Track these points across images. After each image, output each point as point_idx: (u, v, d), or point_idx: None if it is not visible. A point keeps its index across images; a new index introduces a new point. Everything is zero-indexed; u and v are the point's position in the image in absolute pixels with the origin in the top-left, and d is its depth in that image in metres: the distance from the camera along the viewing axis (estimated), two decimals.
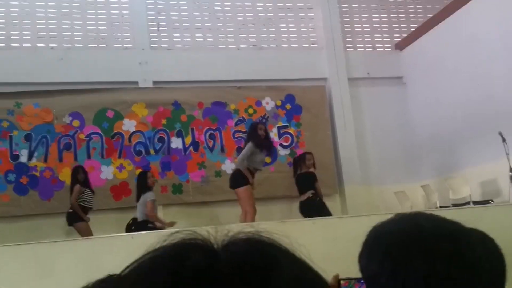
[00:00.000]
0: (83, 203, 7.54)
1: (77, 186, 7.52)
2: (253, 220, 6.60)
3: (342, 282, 1.51)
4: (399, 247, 0.91)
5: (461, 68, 9.02)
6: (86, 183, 7.72)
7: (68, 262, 4.56)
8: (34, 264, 4.60)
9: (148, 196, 7.17)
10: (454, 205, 7.98)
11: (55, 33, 9.37)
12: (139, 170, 8.32)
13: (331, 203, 8.81)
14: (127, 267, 0.56)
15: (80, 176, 7.65)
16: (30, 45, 9.21)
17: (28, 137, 8.57)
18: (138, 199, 7.27)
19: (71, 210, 7.50)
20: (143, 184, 7.36)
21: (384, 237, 0.96)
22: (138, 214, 7.17)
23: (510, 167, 7.35)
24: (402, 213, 1.04)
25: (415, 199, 9.20)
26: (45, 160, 8.58)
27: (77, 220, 7.44)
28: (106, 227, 7.51)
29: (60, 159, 8.62)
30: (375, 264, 0.93)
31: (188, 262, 0.52)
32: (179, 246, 0.56)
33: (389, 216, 1.02)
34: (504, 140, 7.48)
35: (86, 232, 7.22)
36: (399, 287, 0.90)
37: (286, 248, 0.58)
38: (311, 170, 7.89)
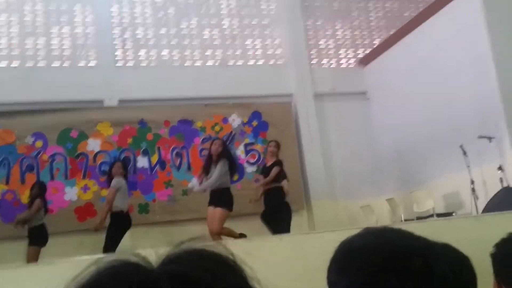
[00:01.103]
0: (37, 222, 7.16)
1: (38, 201, 7.15)
2: None
3: None
4: (372, 263, 0.91)
5: (421, 84, 9.23)
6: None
7: None
8: None
9: (112, 184, 7.04)
10: (418, 218, 8.11)
11: (18, 51, 9.20)
12: (104, 191, 8.18)
13: (298, 218, 8.83)
14: None
15: (32, 193, 7.30)
16: None
17: None
18: None
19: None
20: (109, 174, 7.30)
21: (355, 253, 0.96)
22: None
23: (471, 179, 7.53)
24: (370, 227, 1.04)
25: (381, 212, 9.32)
26: (7, 182, 8.38)
27: (33, 242, 7.08)
28: (70, 250, 7.32)
29: (23, 181, 8.42)
30: (346, 280, 0.93)
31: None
32: (104, 272, 0.55)
33: (355, 231, 1.02)
34: (465, 153, 7.65)
35: (34, 258, 6.86)
36: None
37: (230, 261, 0.57)
38: (274, 159, 7.49)
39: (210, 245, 0.58)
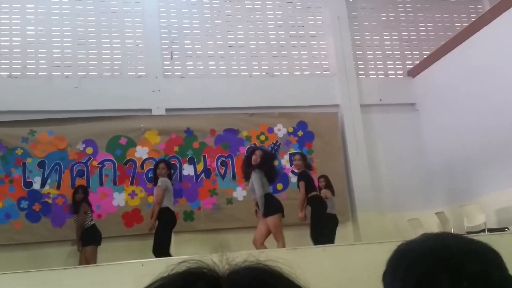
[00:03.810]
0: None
1: (84, 205, 7.44)
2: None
3: None
4: (424, 264, 0.90)
5: (474, 94, 8.97)
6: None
7: None
8: None
9: (158, 184, 7.12)
10: (469, 233, 7.83)
11: (70, 62, 9.53)
12: (151, 197, 8.33)
13: (343, 230, 8.71)
14: None
15: (77, 196, 7.53)
16: (45, 73, 9.36)
17: (41, 164, 8.64)
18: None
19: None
20: (154, 174, 7.43)
21: (408, 254, 0.95)
22: None
23: None
24: (428, 233, 1.03)
25: (429, 226, 9.05)
26: (58, 187, 8.63)
27: (88, 243, 7.36)
28: (117, 255, 7.46)
29: (73, 186, 8.64)
30: (398, 281, 0.92)
31: None
32: (185, 275, 0.59)
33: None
34: None
35: (93, 257, 7.13)
36: None
37: (289, 278, 0.59)
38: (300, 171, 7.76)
39: (271, 261, 0.62)
